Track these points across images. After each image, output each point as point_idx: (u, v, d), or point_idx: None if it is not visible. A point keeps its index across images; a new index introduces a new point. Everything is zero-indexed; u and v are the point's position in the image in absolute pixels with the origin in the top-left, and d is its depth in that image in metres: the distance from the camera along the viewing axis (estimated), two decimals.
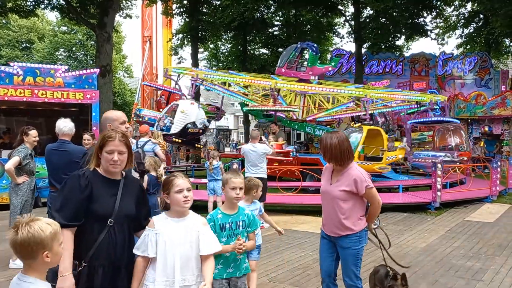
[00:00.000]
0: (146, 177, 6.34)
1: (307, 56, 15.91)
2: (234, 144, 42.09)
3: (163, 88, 16.87)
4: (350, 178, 3.49)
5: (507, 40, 26.88)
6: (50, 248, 1.89)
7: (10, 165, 5.41)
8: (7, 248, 5.85)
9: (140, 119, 13.59)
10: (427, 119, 13.83)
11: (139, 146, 8.31)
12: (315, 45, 15.44)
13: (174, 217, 2.65)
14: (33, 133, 5.73)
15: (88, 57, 41.20)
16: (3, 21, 35.86)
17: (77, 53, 41.96)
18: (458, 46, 30.83)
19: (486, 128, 18.75)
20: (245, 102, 15.30)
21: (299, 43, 15.79)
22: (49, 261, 1.91)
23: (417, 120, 14.12)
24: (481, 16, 26.40)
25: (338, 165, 3.57)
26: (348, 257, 3.56)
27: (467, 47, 29.46)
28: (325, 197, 3.69)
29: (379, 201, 3.58)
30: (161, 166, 6.64)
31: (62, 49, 41.21)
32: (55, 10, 18.01)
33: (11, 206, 5.61)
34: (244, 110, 13.55)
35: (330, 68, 15.60)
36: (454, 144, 13.65)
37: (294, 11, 27.95)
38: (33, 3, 17.51)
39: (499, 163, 11.77)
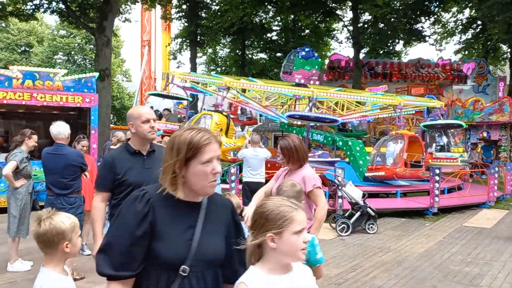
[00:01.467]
0: None
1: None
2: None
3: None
4: (300, 176, 3.54)
5: (504, 47, 27.01)
6: (70, 239, 2.10)
7: (8, 170, 5.40)
8: (5, 251, 5.84)
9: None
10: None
11: None
12: (307, 49, 15.52)
13: (278, 273, 1.64)
14: (35, 138, 5.75)
15: (87, 61, 41.26)
16: (3, 24, 35.96)
17: (75, 57, 42.01)
18: (456, 52, 30.98)
19: (485, 134, 18.81)
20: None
21: (298, 48, 15.88)
22: (69, 251, 2.11)
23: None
24: (479, 22, 26.53)
25: (298, 167, 3.61)
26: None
27: (465, 53, 29.59)
28: None
29: (325, 203, 3.62)
30: None
31: (61, 53, 41.25)
32: (55, 13, 18.04)
33: (9, 209, 5.60)
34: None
35: (314, 71, 15.61)
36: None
37: (292, 16, 28.05)
38: (33, 6, 17.54)
39: (496, 168, 11.80)
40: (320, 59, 15.07)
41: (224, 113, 12.58)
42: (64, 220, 2.10)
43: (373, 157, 12.22)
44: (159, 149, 3.20)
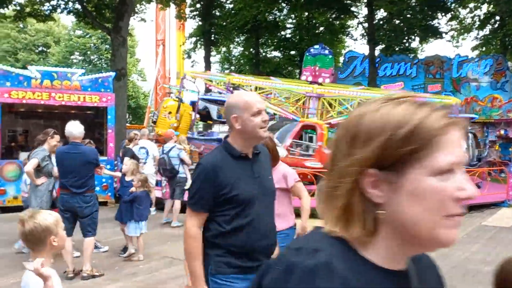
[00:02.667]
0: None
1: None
2: None
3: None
4: (279, 174, 3.55)
5: None
6: (56, 233, 2.18)
7: (29, 167, 5.51)
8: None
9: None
10: None
11: (165, 152, 8.34)
12: (316, 46, 15.43)
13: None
14: (58, 137, 5.85)
15: (102, 60, 41.72)
16: (21, 25, 36.55)
17: (91, 57, 42.52)
18: (473, 49, 30.47)
19: (502, 132, 18.48)
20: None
21: (313, 47, 15.83)
22: (56, 244, 2.20)
23: None
24: (497, 17, 26.05)
25: (272, 166, 3.57)
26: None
27: (483, 49, 29.10)
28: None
29: (308, 194, 3.72)
30: (138, 174, 6.53)
31: (77, 53, 41.80)
32: (71, 14, 18.28)
33: (30, 206, 5.70)
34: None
35: (317, 68, 15.51)
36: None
37: (306, 14, 27.92)
38: (50, 7, 17.80)
39: None
40: (331, 56, 14.81)
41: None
42: (47, 216, 2.20)
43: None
44: (263, 150, 2.56)
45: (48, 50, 42.34)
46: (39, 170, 5.62)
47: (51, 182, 5.82)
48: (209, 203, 2.23)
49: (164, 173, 8.48)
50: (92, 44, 41.33)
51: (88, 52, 41.81)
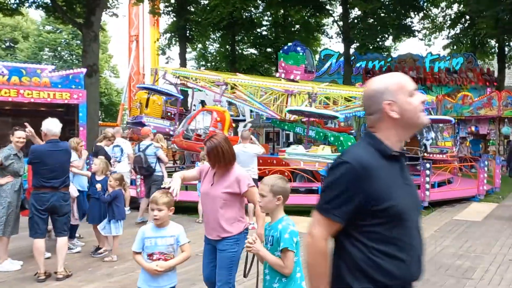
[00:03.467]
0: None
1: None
2: None
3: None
4: (232, 177, 3.46)
5: (492, 41, 27.27)
6: None
7: None
8: None
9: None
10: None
11: (141, 149, 8.18)
12: (291, 44, 15.55)
13: None
14: (18, 133, 5.60)
15: (74, 56, 40.76)
16: None
17: (62, 53, 41.46)
18: (444, 47, 31.19)
19: (473, 128, 18.99)
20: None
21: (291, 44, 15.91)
22: None
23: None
24: (467, 17, 26.74)
25: (226, 168, 3.51)
26: (222, 259, 3.46)
27: (454, 48, 29.81)
28: (207, 199, 3.58)
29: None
30: (109, 171, 6.43)
31: (47, 49, 40.68)
32: (40, 8, 17.75)
33: None
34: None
35: (283, 64, 15.63)
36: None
37: (282, 11, 27.97)
38: (17, 1, 17.24)
39: (486, 162, 11.91)
40: (302, 53, 14.86)
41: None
42: None
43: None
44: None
45: (16, 46, 41.04)
46: (3, 169, 5.41)
47: (18, 182, 5.61)
48: (350, 213, 1.71)
49: (140, 171, 8.32)
50: (62, 40, 40.30)
51: (59, 48, 40.75)
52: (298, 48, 15.00)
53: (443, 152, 13.68)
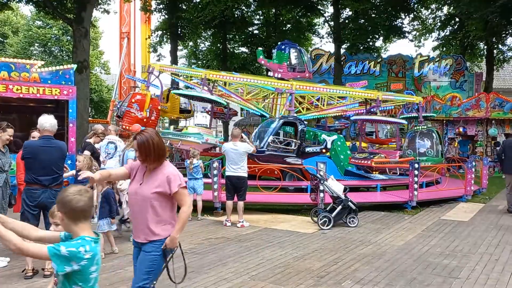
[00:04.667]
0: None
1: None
2: None
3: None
4: (163, 176, 3.24)
5: (481, 44, 27.60)
6: None
7: None
8: None
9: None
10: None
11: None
12: (283, 41, 15.61)
13: None
14: (11, 131, 5.57)
15: (64, 52, 40.34)
16: None
17: (52, 48, 41.01)
18: (434, 49, 31.52)
19: (461, 129, 19.19)
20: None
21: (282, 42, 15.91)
22: None
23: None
24: (457, 19, 27.03)
25: (157, 164, 3.31)
26: (143, 261, 3.24)
27: (443, 50, 30.13)
28: (135, 199, 3.31)
29: (190, 205, 3.37)
30: (94, 166, 6.43)
31: (37, 44, 40.21)
32: (30, 3, 17.55)
33: None
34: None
35: (262, 62, 15.79)
36: None
37: (274, 10, 28.02)
38: None
39: (474, 163, 12.05)
40: (285, 52, 14.96)
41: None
42: None
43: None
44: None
45: (5, 41, 40.50)
46: None
47: (3, 177, 5.54)
48: None
49: None
50: (53, 35, 39.86)
51: (49, 44, 40.29)
52: (283, 47, 15.14)
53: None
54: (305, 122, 12.66)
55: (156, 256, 3.25)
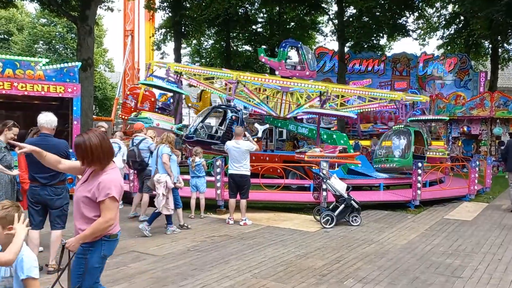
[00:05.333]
0: None
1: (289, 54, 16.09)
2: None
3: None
4: (97, 182, 3.06)
5: (486, 42, 27.45)
6: None
7: None
8: None
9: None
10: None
11: (134, 143, 8.19)
12: (286, 40, 15.68)
13: None
14: (16, 130, 5.62)
15: (68, 50, 40.42)
16: None
17: (57, 46, 41.12)
18: (438, 47, 31.35)
19: (465, 128, 19.13)
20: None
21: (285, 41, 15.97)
22: None
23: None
24: (462, 18, 26.90)
25: (96, 167, 3.16)
26: (74, 265, 3.17)
27: (448, 48, 29.98)
28: (75, 198, 3.20)
29: (110, 219, 3.07)
30: None
31: (41, 42, 40.33)
32: (35, 1, 17.61)
33: None
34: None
35: (263, 60, 15.92)
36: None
37: (278, 9, 27.96)
38: None
39: (477, 162, 12.01)
40: (283, 50, 15.07)
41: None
42: None
43: None
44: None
45: (10, 38, 40.64)
46: None
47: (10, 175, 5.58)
48: None
49: (133, 166, 8.32)
50: (57, 33, 39.96)
51: (53, 41, 40.39)
52: (283, 45, 15.26)
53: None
54: (238, 110, 12.53)
55: (83, 259, 3.14)
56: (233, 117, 11.98)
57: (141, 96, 16.09)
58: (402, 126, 12.82)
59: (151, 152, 8.16)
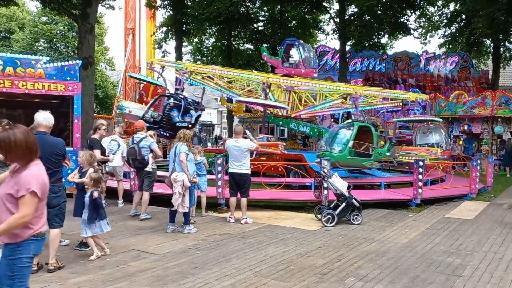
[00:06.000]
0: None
1: (291, 52, 16.09)
2: (214, 139, 41.47)
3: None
4: (19, 178, 3.00)
5: (487, 41, 27.40)
6: None
7: None
8: None
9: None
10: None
11: (135, 141, 8.18)
12: (289, 39, 15.78)
13: None
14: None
15: (69, 48, 40.48)
16: None
17: (58, 44, 41.16)
18: (440, 46, 31.30)
19: (465, 127, 19.09)
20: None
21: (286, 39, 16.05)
22: None
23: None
24: (463, 16, 26.84)
25: (19, 164, 3.08)
26: (2, 266, 3.05)
27: (449, 47, 29.93)
28: None
29: (27, 215, 2.95)
30: (95, 162, 6.39)
31: (42, 40, 40.37)
32: None
33: None
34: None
35: (265, 58, 16.11)
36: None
37: (279, 7, 27.94)
38: None
39: (479, 161, 11.99)
40: (282, 48, 15.28)
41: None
42: None
43: None
44: None
45: (11, 36, 40.67)
46: None
47: None
48: None
49: (133, 164, 8.31)
50: (58, 31, 39.99)
51: (54, 39, 40.43)
52: (283, 43, 15.41)
53: None
54: (182, 98, 12.41)
55: (12, 260, 3.03)
56: (172, 103, 12.02)
57: (151, 91, 16.88)
58: (350, 121, 12.43)
59: (151, 150, 8.15)
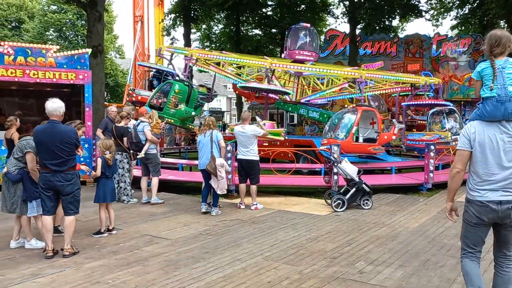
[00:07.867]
0: (99, 160, 6.26)
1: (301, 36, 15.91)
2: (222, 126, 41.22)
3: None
4: None
5: (502, 22, 26.79)
6: None
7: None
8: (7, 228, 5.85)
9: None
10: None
11: (134, 126, 8.44)
12: (298, 24, 15.65)
13: None
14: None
15: (79, 37, 40.58)
16: None
17: (67, 33, 41.28)
18: (452, 28, 30.71)
19: None
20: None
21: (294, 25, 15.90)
22: None
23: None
24: None
25: None
26: None
27: (462, 29, 29.35)
28: None
29: None
30: (110, 149, 6.43)
31: (52, 29, 40.51)
32: None
33: None
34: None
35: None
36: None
37: None
38: None
39: None
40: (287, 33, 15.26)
41: (185, 82, 12.40)
42: None
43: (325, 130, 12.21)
44: None
45: (21, 26, 40.88)
46: None
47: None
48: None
49: (131, 146, 8.47)
50: (67, 20, 40.06)
51: (64, 28, 40.54)
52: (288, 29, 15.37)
53: None
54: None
55: None
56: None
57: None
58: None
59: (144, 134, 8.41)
